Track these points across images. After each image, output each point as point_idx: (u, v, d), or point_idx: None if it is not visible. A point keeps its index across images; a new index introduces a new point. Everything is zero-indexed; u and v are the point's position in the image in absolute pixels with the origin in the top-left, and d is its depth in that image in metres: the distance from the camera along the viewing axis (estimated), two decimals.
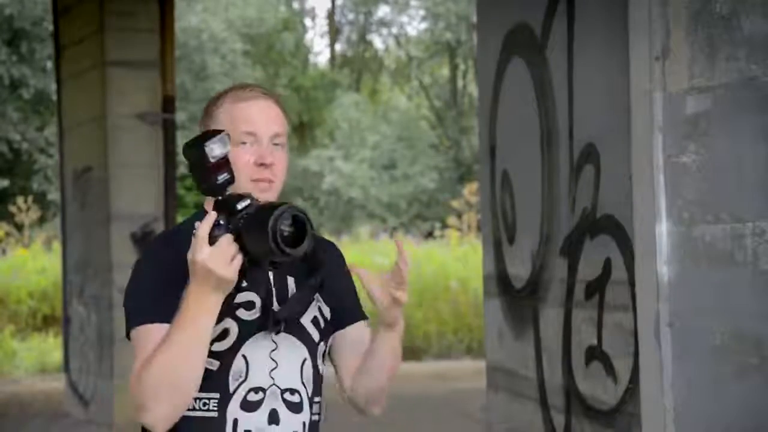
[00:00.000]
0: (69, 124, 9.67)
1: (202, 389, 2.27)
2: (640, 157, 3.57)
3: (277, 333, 2.33)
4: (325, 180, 24.53)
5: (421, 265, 14.19)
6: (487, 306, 5.10)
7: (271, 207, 2.17)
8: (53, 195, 19.83)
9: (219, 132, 2.26)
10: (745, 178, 3.36)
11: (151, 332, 2.27)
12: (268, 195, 2.36)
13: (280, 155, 2.42)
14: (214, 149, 2.24)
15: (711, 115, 3.41)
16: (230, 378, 2.31)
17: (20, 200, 17.92)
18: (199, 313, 2.19)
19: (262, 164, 2.37)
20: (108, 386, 8.71)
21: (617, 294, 3.84)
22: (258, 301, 2.35)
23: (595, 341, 4.01)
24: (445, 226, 20.05)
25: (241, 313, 2.33)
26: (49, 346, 12.77)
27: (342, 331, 2.49)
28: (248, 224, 2.18)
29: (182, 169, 22.20)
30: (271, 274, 2.36)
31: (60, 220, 10.33)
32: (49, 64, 19.12)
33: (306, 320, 2.40)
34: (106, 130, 8.76)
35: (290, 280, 2.41)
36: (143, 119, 8.80)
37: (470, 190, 18.58)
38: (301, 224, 2.16)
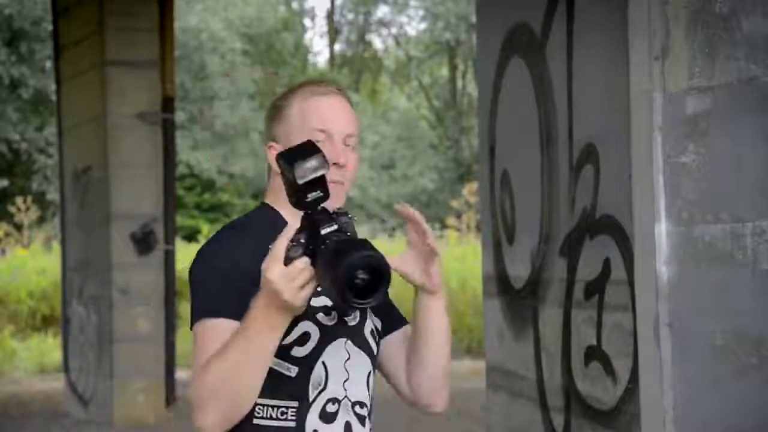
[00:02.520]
0: (68, 124, 9.67)
1: (279, 396, 2.16)
2: (639, 157, 3.57)
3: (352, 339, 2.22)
4: None
5: None
6: (487, 306, 5.10)
7: (351, 245, 2.00)
8: (53, 195, 19.83)
9: (314, 149, 2.07)
10: (745, 178, 3.36)
11: (219, 328, 2.12)
12: (336, 199, 2.21)
13: (352, 156, 2.29)
14: (306, 171, 2.05)
15: (711, 115, 3.40)
16: (310, 386, 2.19)
17: (20, 200, 17.92)
18: (263, 329, 2.05)
19: (335, 164, 2.23)
20: (107, 386, 8.71)
21: (617, 294, 3.84)
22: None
23: (594, 341, 4.00)
24: (444, 226, 20.05)
25: (322, 318, 2.21)
26: (49, 346, 12.76)
27: (388, 337, 2.37)
28: (325, 257, 2.01)
29: (181, 168, 22.22)
30: None
31: (59, 220, 10.33)
32: (49, 64, 19.12)
33: (367, 331, 2.30)
34: (105, 130, 8.76)
35: None
36: (143, 119, 8.81)
37: (470, 190, 18.58)
38: (377, 273, 1.99)
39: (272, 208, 2.31)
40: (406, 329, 2.39)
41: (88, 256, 9.12)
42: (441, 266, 2.24)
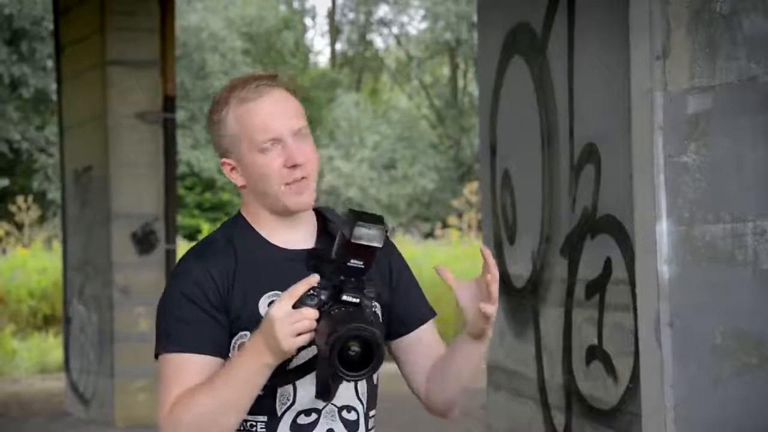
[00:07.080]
0: (69, 124, 9.67)
1: (247, 411, 2.14)
2: (640, 156, 3.57)
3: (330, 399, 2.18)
4: (324, 179, 24.52)
5: (421, 265, 14.20)
6: None
7: (353, 317, 2.02)
8: (53, 194, 19.84)
9: (381, 224, 2.07)
10: (745, 178, 3.36)
11: (184, 363, 2.13)
12: (305, 195, 2.19)
13: (308, 147, 2.20)
14: (363, 236, 2.06)
15: (711, 114, 3.41)
16: (277, 402, 2.18)
17: (20, 199, 17.91)
18: (251, 373, 2.07)
19: (294, 165, 2.17)
20: (108, 385, 8.71)
21: (618, 293, 3.84)
22: None
23: (595, 341, 4.00)
24: (445, 225, 20.04)
25: None
26: (50, 346, 12.76)
27: (411, 335, 2.32)
28: (329, 320, 2.03)
29: (182, 168, 22.22)
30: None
31: (60, 219, 10.34)
32: (50, 64, 19.12)
33: None
34: (106, 129, 8.76)
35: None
36: (143, 118, 8.80)
37: (470, 190, 18.57)
38: (370, 347, 2.01)
39: (246, 220, 2.26)
40: (430, 328, 2.33)
41: (89, 256, 9.12)
42: (494, 317, 2.19)
